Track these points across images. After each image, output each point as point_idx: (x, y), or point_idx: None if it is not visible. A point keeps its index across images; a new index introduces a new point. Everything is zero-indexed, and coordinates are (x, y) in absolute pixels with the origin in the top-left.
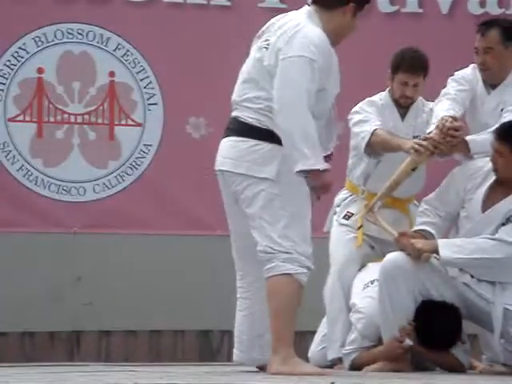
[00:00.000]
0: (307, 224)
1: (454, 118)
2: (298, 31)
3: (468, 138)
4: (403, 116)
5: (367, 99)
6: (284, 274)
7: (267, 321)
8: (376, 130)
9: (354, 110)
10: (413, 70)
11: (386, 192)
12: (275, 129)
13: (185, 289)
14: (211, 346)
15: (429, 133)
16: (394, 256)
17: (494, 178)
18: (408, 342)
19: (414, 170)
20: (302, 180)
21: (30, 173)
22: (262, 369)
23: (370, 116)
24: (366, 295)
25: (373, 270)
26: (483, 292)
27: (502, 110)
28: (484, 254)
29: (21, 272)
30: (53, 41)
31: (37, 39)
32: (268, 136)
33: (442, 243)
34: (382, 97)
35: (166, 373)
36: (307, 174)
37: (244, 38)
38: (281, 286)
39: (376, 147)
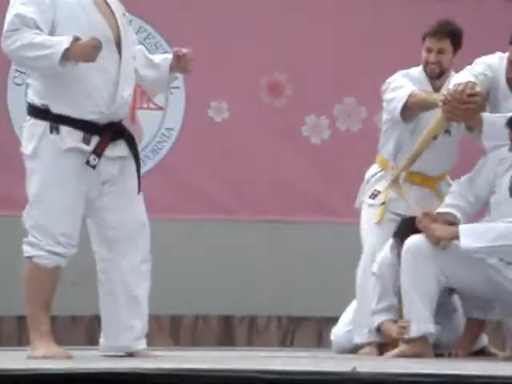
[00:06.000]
0: (58, 203)
1: (474, 84)
2: None
3: (484, 114)
4: (437, 90)
5: (402, 71)
6: (25, 257)
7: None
8: (413, 91)
9: (388, 80)
10: (435, 34)
11: (409, 162)
12: (36, 102)
13: (206, 274)
14: (231, 331)
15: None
16: (414, 240)
17: None
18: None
19: (435, 138)
20: (63, 156)
21: None
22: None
23: (405, 82)
24: (390, 245)
25: None
26: (511, 276)
27: None
28: (504, 241)
29: None
30: None
31: None
32: (31, 111)
33: (463, 230)
34: (416, 70)
35: (187, 357)
36: (65, 61)
37: (266, 21)
38: (24, 269)
39: (414, 108)
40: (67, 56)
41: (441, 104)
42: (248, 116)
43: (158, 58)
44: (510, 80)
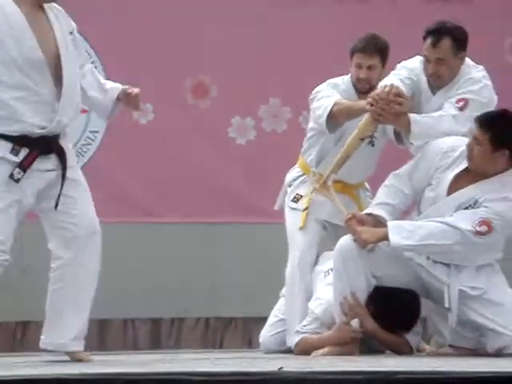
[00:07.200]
0: None
1: (399, 88)
2: None
3: (411, 115)
4: None
5: (330, 81)
6: None
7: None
8: (338, 99)
9: (316, 89)
10: (365, 50)
11: (337, 165)
12: None
13: (133, 277)
14: (159, 334)
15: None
16: (344, 240)
17: (465, 163)
18: (355, 326)
19: (362, 139)
20: None
21: None
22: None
23: (332, 93)
24: (327, 283)
25: (330, 258)
26: (438, 274)
27: None
28: (433, 240)
29: None
30: None
31: None
32: None
33: (391, 228)
34: (343, 81)
35: (115, 361)
36: None
37: (193, 23)
38: None
39: (339, 116)
40: None
41: (368, 106)
42: (173, 118)
43: (108, 84)
44: (430, 81)
